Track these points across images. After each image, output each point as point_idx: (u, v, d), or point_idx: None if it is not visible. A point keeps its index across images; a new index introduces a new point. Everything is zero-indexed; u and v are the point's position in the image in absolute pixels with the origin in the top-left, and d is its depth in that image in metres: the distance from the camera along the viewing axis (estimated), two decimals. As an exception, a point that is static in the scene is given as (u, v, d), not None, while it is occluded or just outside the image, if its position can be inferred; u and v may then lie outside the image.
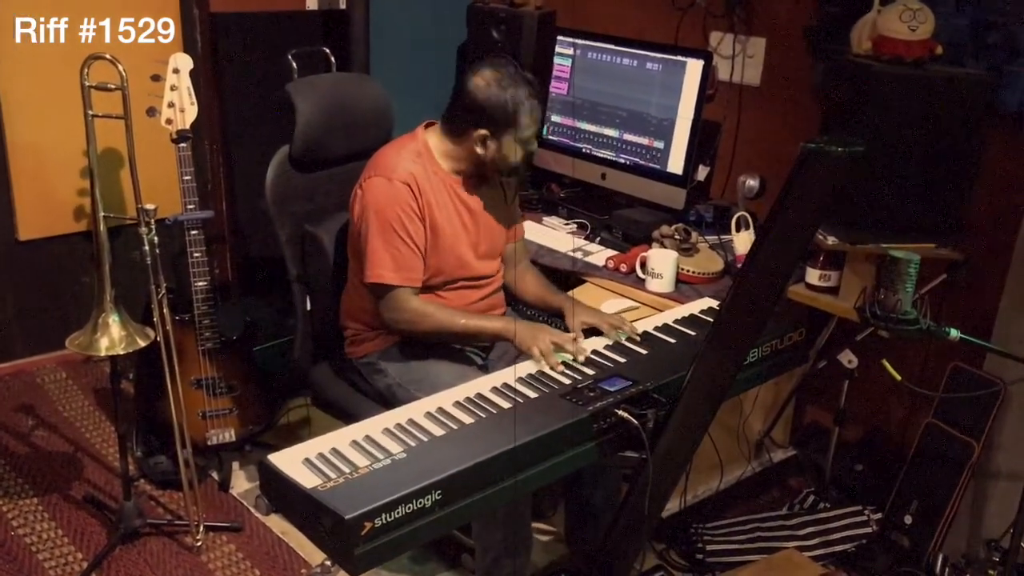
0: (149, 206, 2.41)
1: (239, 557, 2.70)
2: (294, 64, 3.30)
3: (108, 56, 2.40)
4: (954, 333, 1.98)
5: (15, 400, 3.44)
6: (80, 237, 3.63)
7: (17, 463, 3.08)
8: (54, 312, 3.66)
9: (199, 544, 2.71)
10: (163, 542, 2.74)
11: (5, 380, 3.56)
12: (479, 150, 2.30)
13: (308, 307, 2.64)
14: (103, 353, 2.44)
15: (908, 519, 2.71)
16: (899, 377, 2.09)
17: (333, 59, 3.43)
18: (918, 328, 1.89)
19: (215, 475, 3.05)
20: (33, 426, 3.29)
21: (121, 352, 2.46)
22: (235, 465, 3.08)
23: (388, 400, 2.39)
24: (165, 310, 2.55)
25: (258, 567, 2.67)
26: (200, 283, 2.83)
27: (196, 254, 2.82)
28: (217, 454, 3.04)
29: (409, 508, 1.54)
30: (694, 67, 2.96)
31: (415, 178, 2.28)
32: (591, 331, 2.24)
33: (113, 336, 2.44)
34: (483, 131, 2.28)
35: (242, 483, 3.03)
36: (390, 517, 1.52)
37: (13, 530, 2.76)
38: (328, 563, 2.59)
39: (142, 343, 2.48)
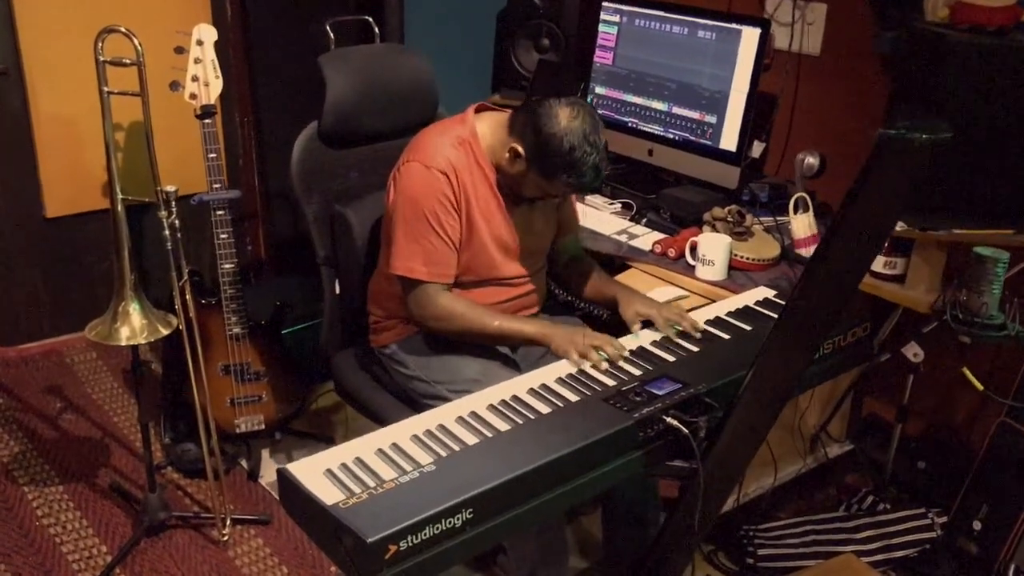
0: (169, 188, 2.30)
1: (266, 553, 2.60)
2: (331, 34, 3.13)
3: (123, 29, 2.26)
4: (1046, 338, 1.78)
5: (44, 381, 3.37)
6: (109, 214, 3.53)
7: (45, 448, 3.00)
8: (84, 291, 3.58)
9: (225, 538, 2.61)
10: (189, 535, 2.64)
11: (35, 360, 3.49)
12: (506, 154, 2.11)
13: (337, 290, 2.51)
14: (123, 343, 2.32)
15: (977, 524, 2.52)
16: (981, 387, 1.90)
17: (376, 29, 3.24)
18: (1006, 335, 1.69)
19: (244, 464, 2.95)
20: (61, 408, 3.22)
21: (142, 342, 2.35)
22: (265, 453, 2.99)
23: (408, 395, 2.25)
24: (188, 296, 2.44)
25: (286, 564, 2.56)
26: (227, 266, 2.71)
27: (223, 235, 2.70)
28: (246, 442, 2.94)
29: (437, 528, 1.42)
30: (750, 35, 2.76)
31: (454, 167, 2.09)
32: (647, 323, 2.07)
33: (134, 325, 2.33)
34: (519, 146, 2.07)
35: (272, 472, 2.92)
36: (416, 539, 1.40)
37: (38, 520, 2.69)
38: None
39: (164, 332, 2.36)
